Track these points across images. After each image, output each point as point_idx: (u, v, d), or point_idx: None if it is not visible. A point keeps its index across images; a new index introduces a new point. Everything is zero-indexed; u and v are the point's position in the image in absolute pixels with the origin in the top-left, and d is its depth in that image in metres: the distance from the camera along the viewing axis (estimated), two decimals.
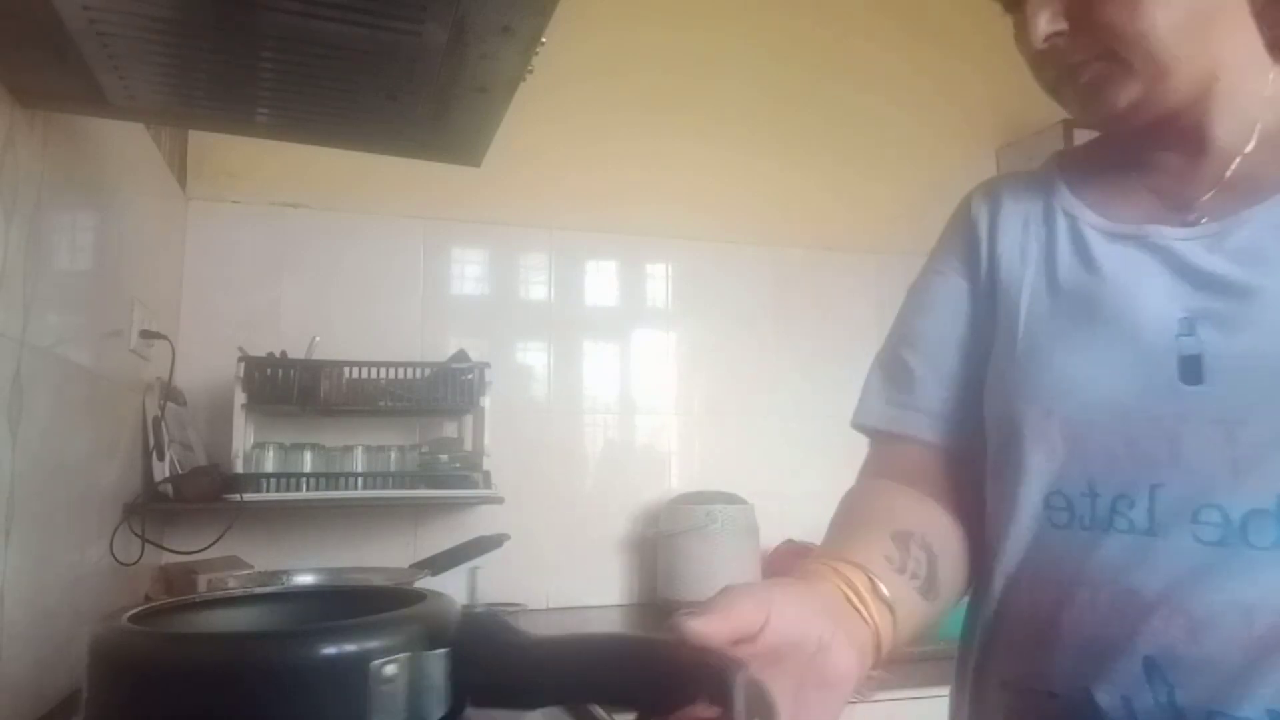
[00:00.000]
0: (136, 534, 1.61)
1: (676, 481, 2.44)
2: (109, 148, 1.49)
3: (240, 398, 1.92)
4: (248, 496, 1.82)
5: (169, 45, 0.96)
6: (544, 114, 2.19)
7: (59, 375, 1.28)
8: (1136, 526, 0.64)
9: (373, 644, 0.51)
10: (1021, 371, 0.73)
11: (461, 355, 2.15)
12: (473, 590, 2.06)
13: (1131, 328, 0.68)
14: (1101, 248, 0.74)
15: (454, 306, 2.37)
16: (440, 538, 2.20)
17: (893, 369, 0.85)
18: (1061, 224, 0.77)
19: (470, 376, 2.10)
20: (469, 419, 2.18)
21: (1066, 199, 0.79)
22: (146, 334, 1.69)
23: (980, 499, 0.78)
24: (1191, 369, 0.65)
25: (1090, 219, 0.76)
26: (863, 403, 0.86)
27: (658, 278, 2.55)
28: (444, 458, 2.06)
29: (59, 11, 0.87)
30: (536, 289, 2.45)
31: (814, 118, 2.62)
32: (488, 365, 2.12)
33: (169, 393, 1.77)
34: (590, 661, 0.49)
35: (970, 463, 0.79)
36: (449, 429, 2.23)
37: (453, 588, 0.56)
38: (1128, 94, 0.68)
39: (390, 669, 0.51)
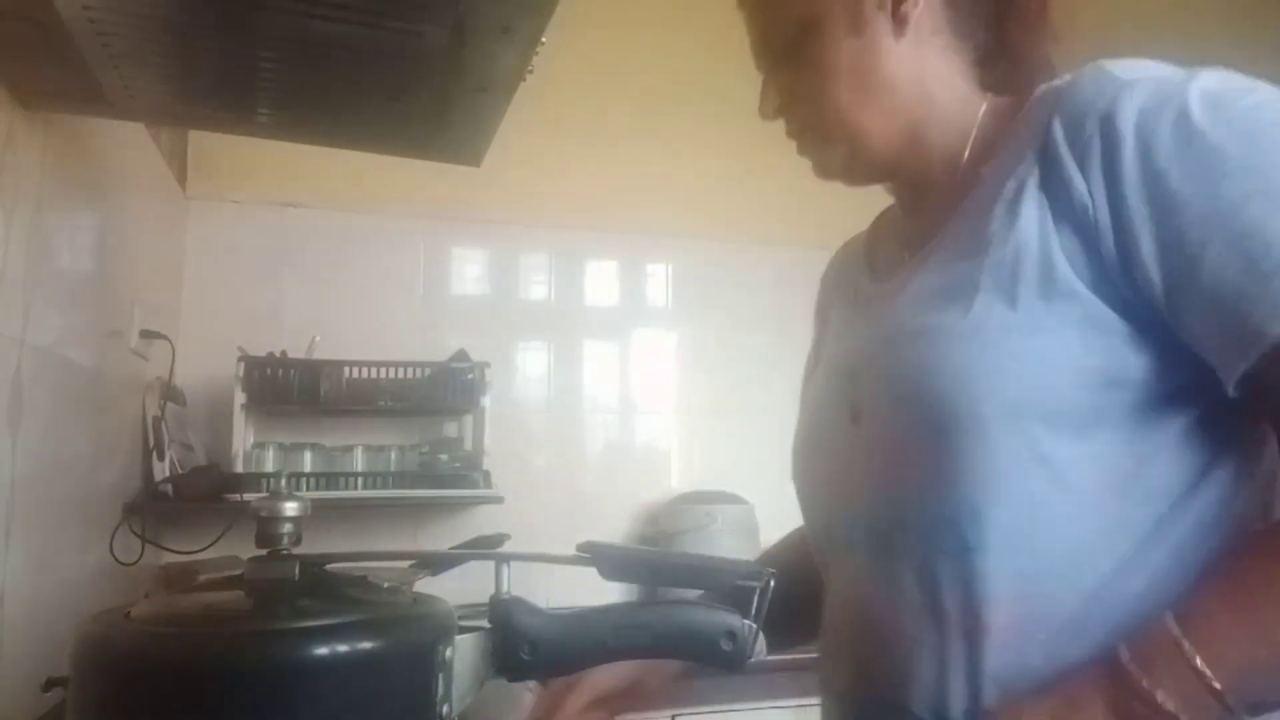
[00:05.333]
0: (136, 534, 1.61)
1: (676, 481, 2.44)
2: (109, 148, 1.49)
3: (240, 398, 1.92)
4: (248, 496, 1.82)
5: (169, 45, 0.96)
6: (544, 114, 2.19)
7: (59, 375, 1.28)
8: (844, 547, 0.76)
9: (364, 644, 0.51)
10: (795, 438, 0.86)
11: (461, 355, 2.15)
12: (500, 581, 2.07)
13: (833, 383, 0.80)
14: (855, 315, 0.84)
15: (454, 306, 2.37)
16: (440, 538, 2.21)
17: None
18: (849, 298, 0.88)
19: (470, 376, 2.10)
20: (469, 419, 2.18)
21: (860, 269, 0.88)
22: (146, 334, 1.69)
23: None
24: (855, 413, 0.75)
25: (863, 286, 0.85)
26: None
27: (658, 278, 2.55)
28: (444, 458, 2.06)
29: (59, 11, 0.87)
30: (536, 289, 2.45)
31: None
32: (488, 365, 2.12)
33: (169, 393, 1.77)
34: (612, 626, 0.58)
35: None
36: (449, 429, 2.23)
37: (485, 579, 0.58)
38: (835, 158, 0.78)
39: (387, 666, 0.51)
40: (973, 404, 0.64)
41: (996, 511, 0.64)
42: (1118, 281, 0.62)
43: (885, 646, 0.69)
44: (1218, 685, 0.55)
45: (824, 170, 0.80)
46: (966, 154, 0.75)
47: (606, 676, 0.81)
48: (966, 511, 0.65)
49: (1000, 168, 0.70)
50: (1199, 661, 0.55)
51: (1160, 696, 0.55)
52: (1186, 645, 0.56)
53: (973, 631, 0.65)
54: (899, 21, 0.74)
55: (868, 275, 0.86)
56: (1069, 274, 0.63)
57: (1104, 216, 0.62)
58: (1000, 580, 0.64)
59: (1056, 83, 0.70)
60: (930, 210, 0.77)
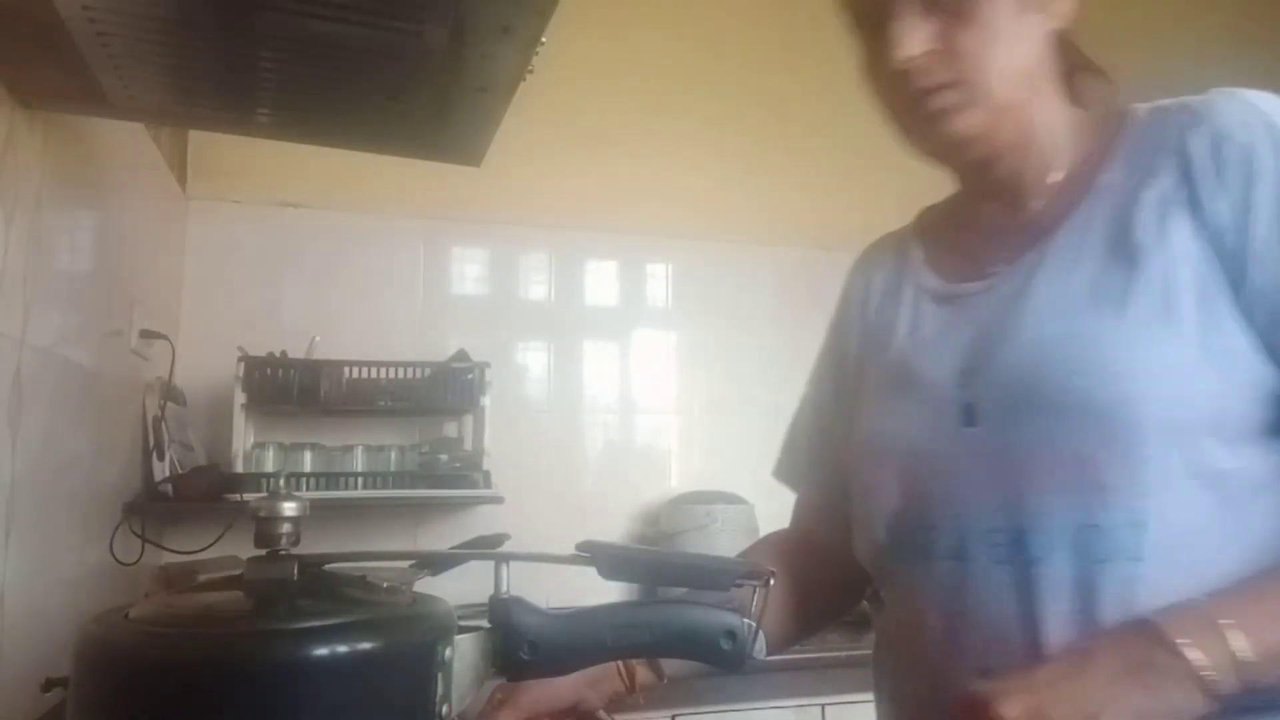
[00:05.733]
0: (136, 534, 1.61)
1: (676, 481, 2.44)
2: (109, 148, 1.49)
3: (240, 398, 1.92)
4: (248, 496, 1.82)
5: (169, 45, 0.96)
6: (544, 114, 2.19)
7: (59, 375, 1.28)
8: (950, 553, 0.73)
9: (365, 645, 0.51)
10: (864, 434, 0.84)
11: (461, 355, 2.15)
12: (500, 582, 2.07)
13: (932, 384, 0.77)
14: (929, 313, 0.83)
15: (454, 306, 2.37)
16: (440, 538, 2.20)
17: (791, 433, 1.00)
18: (908, 294, 0.86)
19: (470, 376, 2.10)
20: (469, 419, 2.18)
21: (917, 265, 0.87)
22: (146, 334, 1.69)
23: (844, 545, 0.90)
24: (969, 414, 0.74)
25: (929, 283, 0.84)
26: (779, 456, 1.01)
27: (658, 278, 2.55)
28: (444, 458, 2.06)
29: (59, 11, 0.87)
30: (536, 289, 2.45)
31: (814, 118, 2.61)
32: (488, 365, 2.12)
33: (169, 393, 1.77)
34: (612, 626, 0.58)
35: (840, 517, 0.91)
36: (449, 429, 2.23)
37: (485, 579, 0.58)
38: (969, 122, 0.74)
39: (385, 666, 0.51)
40: (1135, 411, 0.65)
41: (1159, 521, 0.65)
42: (1231, 299, 0.66)
43: (1020, 656, 0.67)
44: (1240, 655, 0.57)
45: (948, 133, 0.74)
46: (1067, 160, 0.76)
47: (546, 693, 0.80)
48: (1128, 519, 0.65)
49: (1127, 178, 0.72)
50: (1226, 630, 0.58)
51: (1182, 643, 0.58)
52: (1220, 618, 0.58)
53: (1036, 648, 0.65)
54: (1057, 11, 0.75)
55: (930, 272, 0.85)
56: (1220, 289, 0.66)
57: (1230, 241, 0.66)
58: (1158, 588, 0.64)
59: (1183, 102, 0.72)
60: (1032, 211, 0.77)
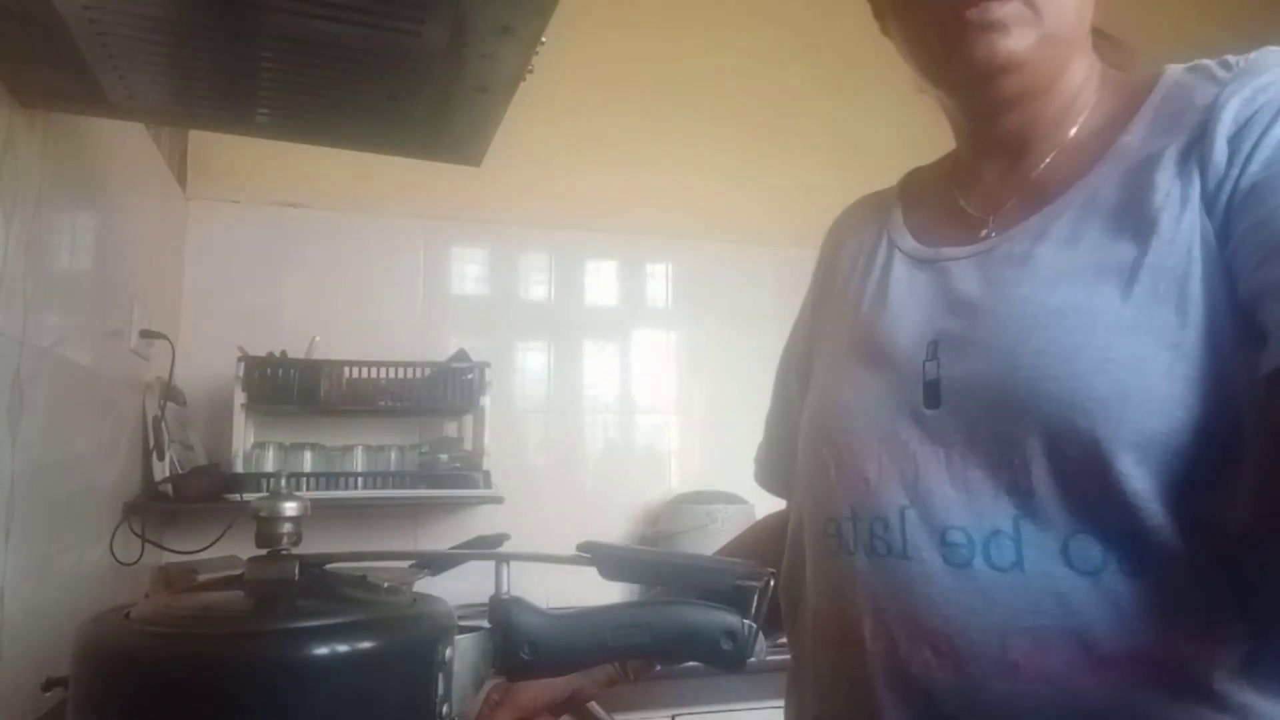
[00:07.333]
0: (136, 534, 1.61)
1: (676, 481, 2.44)
2: (109, 148, 1.49)
3: (240, 397, 1.92)
4: (248, 496, 1.82)
5: (169, 45, 0.96)
6: (544, 114, 2.19)
7: (59, 375, 1.28)
8: (893, 549, 0.64)
9: (365, 645, 0.51)
10: (811, 408, 0.75)
11: (461, 355, 2.15)
12: (500, 582, 2.07)
13: (895, 355, 0.68)
14: (900, 275, 0.73)
15: (454, 306, 2.38)
16: (440, 538, 2.21)
17: (766, 430, 0.92)
18: (881, 255, 0.77)
19: (470, 376, 2.10)
20: (469, 419, 2.18)
21: (896, 225, 0.78)
22: (146, 334, 1.69)
23: None
24: (932, 393, 0.64)
25: (906, 245, 0.75)
26: (758, 452, 0.93)
27: (658, 278, 2.55)
28: (444, 458, 2.06)
29: (59, 11, 0.87)
30: (536, 289, 2.45)
31: (814, 118, 2.62)
32: (488, 365, 2.12)
33: (169, 392, 1.77)
34: (612, 626, 0.57)
35: None
36: (449, 429, 2.23)
37: (485, 579, 0.58)
38: (1021, 44, 0.63)
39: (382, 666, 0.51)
40: (1126, 412, 0.55)
41: (1138, 539, 0.56)
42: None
43: (977, 678, 0.59)
44: None
45: (993, 52, 0.64)
46: (1087, 119, 0.68)
47: (542, 692, 0.79)
48: (1125, 529, 0.56)
49: (1150, 138, 0.63)
50: None
51: None
52: None
53: (1121, 661, 0.56)
54: None
55: (908, 236, 0.76)
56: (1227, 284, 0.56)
57: (1228, 190, 0.57)
58: (1144, 608, 0.56)
59: (1224, 60, 0.63)
60: (1039, 171, 0.68)
